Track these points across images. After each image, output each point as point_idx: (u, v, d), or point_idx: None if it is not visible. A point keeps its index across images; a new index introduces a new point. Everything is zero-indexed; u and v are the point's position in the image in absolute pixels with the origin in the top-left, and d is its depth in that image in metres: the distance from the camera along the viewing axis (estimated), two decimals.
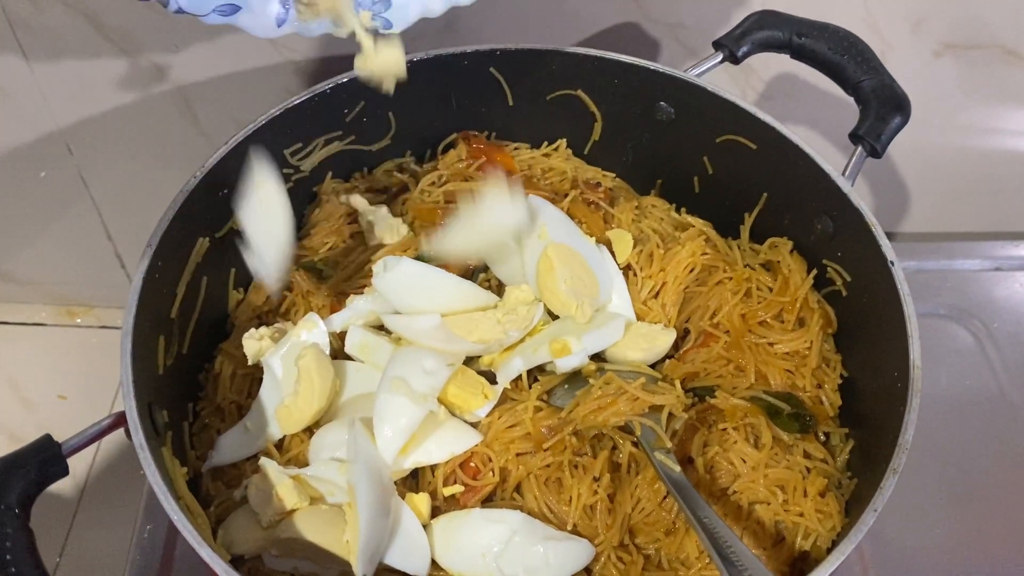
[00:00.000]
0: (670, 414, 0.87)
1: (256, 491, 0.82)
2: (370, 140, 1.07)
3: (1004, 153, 1.37)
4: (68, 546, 1.35)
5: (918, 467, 1.03)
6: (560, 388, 0.90)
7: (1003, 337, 1.26)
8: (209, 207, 0.93)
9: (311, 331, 0.90)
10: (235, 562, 0.81)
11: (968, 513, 1.10)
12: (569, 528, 0.82)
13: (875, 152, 0.93)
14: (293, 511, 0.82)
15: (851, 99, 0.97)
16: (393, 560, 0.79)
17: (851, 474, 0.88)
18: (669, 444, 0.84)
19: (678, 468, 0.82)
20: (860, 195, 0.91)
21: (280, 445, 0.88)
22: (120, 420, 0.76)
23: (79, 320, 1.59)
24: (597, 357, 0.94)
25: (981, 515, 1.09)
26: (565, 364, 0.89)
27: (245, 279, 1.01)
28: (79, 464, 1.31)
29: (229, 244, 0.97)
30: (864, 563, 1.03)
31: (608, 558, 0.82)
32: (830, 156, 0.95)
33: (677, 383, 0.90)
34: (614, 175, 1.13)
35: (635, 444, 0.86)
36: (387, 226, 1.02)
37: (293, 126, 0.98)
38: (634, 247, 1.00)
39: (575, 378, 0.91)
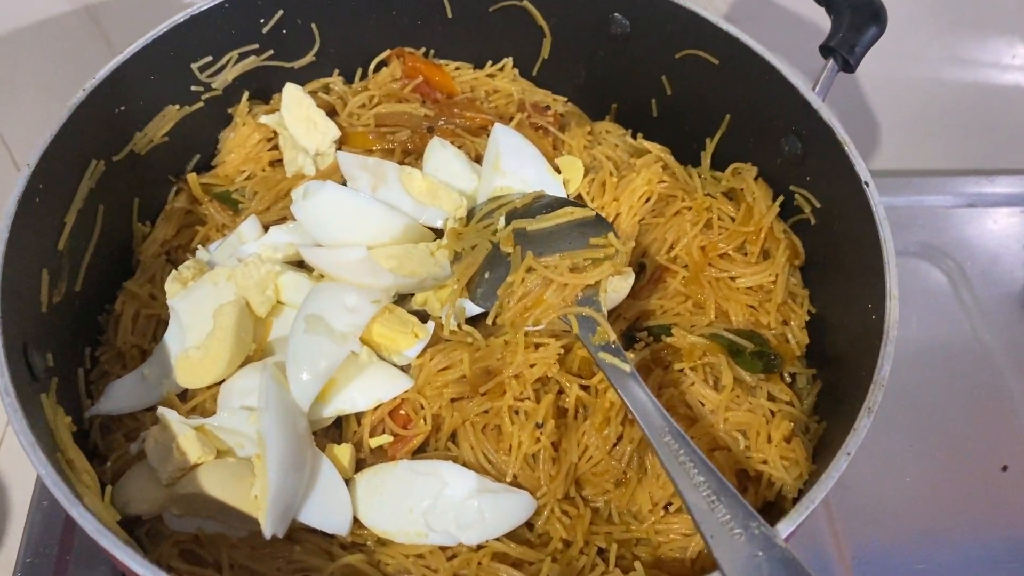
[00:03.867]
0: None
1: (155, 444, 0.73)
2: (291, 56, 0.96)
3: (979, 85, 1.29)
4: None
5: (887, 413, 0.96)
6: (480, 279, 0.79)
7: (976, 276, 1.19)
8: (104, 126, 0.83)
9: (229, 279, 0.80)
10: (132, 523, 0.72)
11: (938, 460, 1.04)
12: (509, 480, 0.74)
13: (848, 66, 0.85)
14: (196, 465, 0.72)
15: (823, 21, 0.88)
16: (309, 518, 0.71)
17: (819, 418, 0.81)
18: (613, 336, 0.73)
19: (628, 365, 0.71)
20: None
21: (184, 393, 0.79)
22: None
23: None
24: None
25: (952, 462, 1.04)
26: None
27: (152, 211, 0.91)
28: None
29: (131, 170, 0.87)
30: (830, 514, 0.97)
31: (552, 511, 0.74)
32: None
33: (611, 235, 0.79)
34: (566, 99, 1.04)
35: (581, 390, 0.78)
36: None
37: (201, 36, 0.88)
38: (586, 175, 0.92)
39: (495, 261, 0.79)
